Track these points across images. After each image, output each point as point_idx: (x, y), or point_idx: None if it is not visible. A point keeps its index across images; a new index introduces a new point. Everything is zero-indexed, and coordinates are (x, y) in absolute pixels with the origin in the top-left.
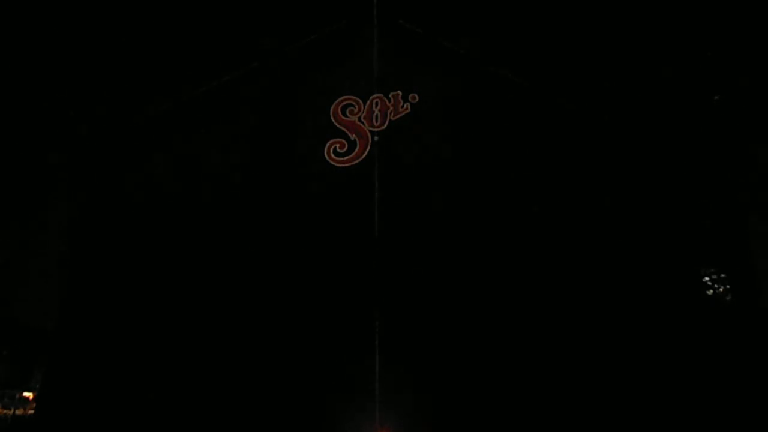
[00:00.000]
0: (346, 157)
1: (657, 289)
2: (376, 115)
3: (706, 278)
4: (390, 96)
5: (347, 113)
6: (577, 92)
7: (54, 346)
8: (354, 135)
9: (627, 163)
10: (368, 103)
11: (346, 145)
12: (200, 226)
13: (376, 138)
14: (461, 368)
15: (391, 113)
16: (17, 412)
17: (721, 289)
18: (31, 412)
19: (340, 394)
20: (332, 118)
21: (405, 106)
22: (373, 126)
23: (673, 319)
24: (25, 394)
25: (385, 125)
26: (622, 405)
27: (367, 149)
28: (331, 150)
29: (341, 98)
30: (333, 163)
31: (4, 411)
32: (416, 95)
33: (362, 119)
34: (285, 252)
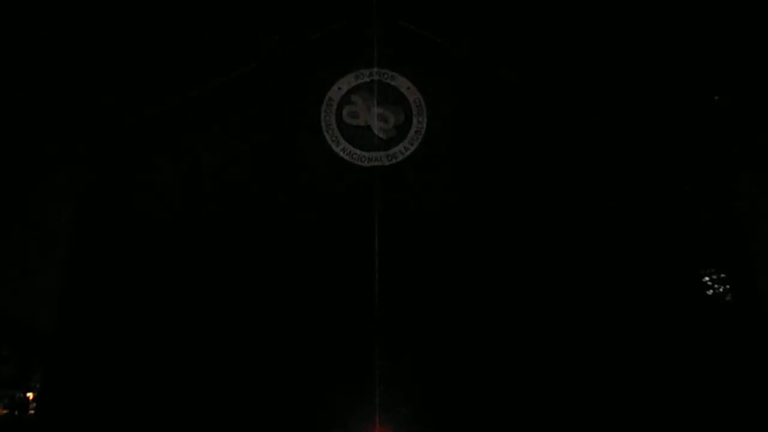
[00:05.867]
0: (346, 157)
1: (657, 289)
2: (377, 115)
3: (706, 278)
4: (390, 96)
5: (348, 114)
6: (578, 92)
7: (53, 346)
8: (355, 135)
9: (627, 163)
10: (369, 104)
11: (346, 145)
12: (200, 225)
13: (376, 139)
14: (461, 369)
15: (391, 114)
16: (17, 412)
17: (721, 289)
18: (31, 412)
19: (339, 394)
20: (333, 118)
21: (405, 106)
22: (373, 126)
23: (673, 319)
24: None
25: (386, 125)
26: (622, 404)
27: (368, 149)
28: (332, 150)
29: (342, 99)
30: (334, 163)
31: (4, 411)
32: (417, 95)
33: (363, 119)
34: (285, 251)
